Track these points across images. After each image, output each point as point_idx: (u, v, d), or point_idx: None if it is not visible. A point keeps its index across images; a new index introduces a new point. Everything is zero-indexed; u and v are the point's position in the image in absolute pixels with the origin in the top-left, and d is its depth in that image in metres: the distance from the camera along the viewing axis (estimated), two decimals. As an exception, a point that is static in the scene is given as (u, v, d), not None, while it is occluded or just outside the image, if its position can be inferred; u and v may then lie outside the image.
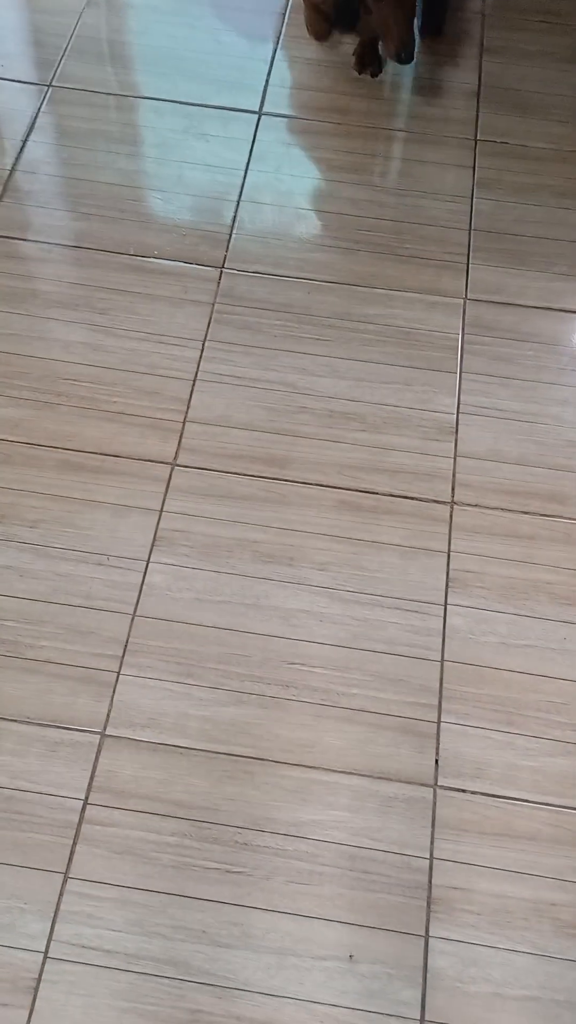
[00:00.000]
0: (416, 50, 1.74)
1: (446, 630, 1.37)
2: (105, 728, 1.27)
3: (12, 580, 1.38)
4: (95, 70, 2.11)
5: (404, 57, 1.73)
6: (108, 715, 1.28)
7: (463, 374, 1.65)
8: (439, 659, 1.35)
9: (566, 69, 2.15)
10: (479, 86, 2.11)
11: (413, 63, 1.77)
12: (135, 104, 2.05)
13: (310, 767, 1.25)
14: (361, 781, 1.25)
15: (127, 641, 1.34)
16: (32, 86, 2.05)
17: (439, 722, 1.30)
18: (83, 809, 1.21)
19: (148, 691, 1.30)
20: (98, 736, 1.26)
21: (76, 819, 1.20)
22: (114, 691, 1.30)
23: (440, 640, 1.36)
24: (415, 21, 1.72)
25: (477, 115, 2.05)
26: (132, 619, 1.36)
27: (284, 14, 2.25)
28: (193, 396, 1.61)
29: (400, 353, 1.68)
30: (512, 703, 1.31)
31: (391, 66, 2.15)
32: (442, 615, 1.38)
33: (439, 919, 1.15)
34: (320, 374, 1.65)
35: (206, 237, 1.82)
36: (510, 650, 1.36)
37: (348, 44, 2.14)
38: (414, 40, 1.72)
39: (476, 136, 2.01)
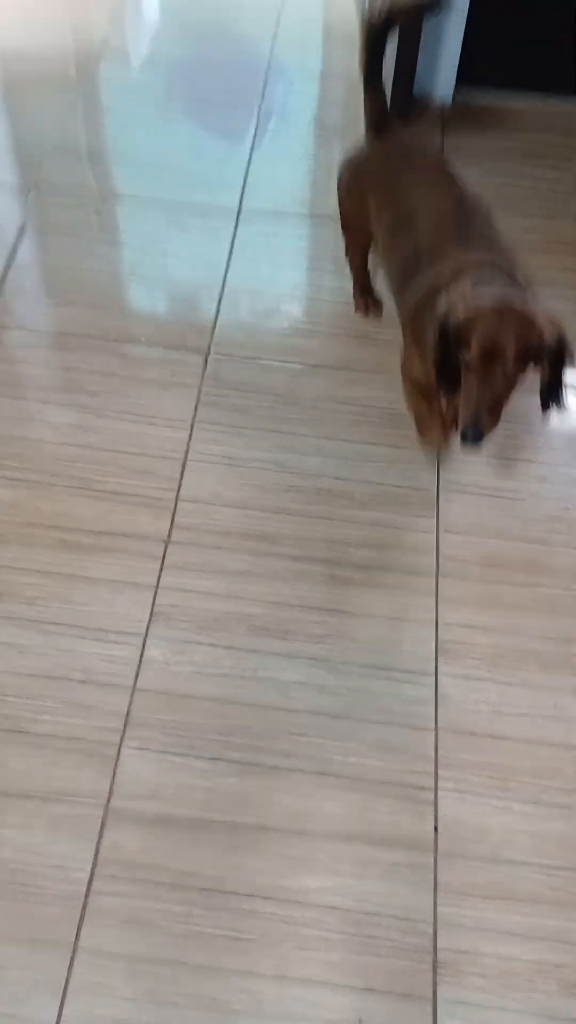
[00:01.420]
0: (486, 438, 1.29)
1: (439, 698, 1.41)
2: (109, 800, 1.27)
3: (12, 657, 1.39)
4: (81, 172, 2.22)
5: (468, 435, 1.28)
6: (111, 788, 1.28)
7: (444, 452, 1.73)
8: (433, 727, 1.38)
9: (524, 164, 2.31)
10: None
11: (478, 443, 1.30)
12: (120, 202, 2.16)
13: (313, 835, 1.27)
14: (363, 848, 1.26)
15: (128, 714, 1.35)
16: (21, 189, 2.15)
17: (436, 789, 1.32)
18: (90, 881, 1.20)
19: (150, 763, 1.31)
20: (102, 809, 1.26)
21: (83, 891, 1.19)
22: (116, 764, 1.30)
23: (433, 708, 1.40)
24: (506, 405, 1.32)
25: (443, 212, 2.19)
26: (132, 693, 1.37)
27: (257, 117, 2.40)
28: (184, 475, 1.66)
29: (383, 432, 1.75)
30: (508, 769, 1.34)
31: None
32: (434, 684, 1.42)
33: (446, 982, 1.16)
34: (307, 453, 1.71)
35: (191, 325, 1.91)
36: (503, 718, 1.40)
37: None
38: (489, 423, 1.29)
39: (443, 232, 2.15)
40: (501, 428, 1.35)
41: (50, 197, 2.13)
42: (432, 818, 1.29)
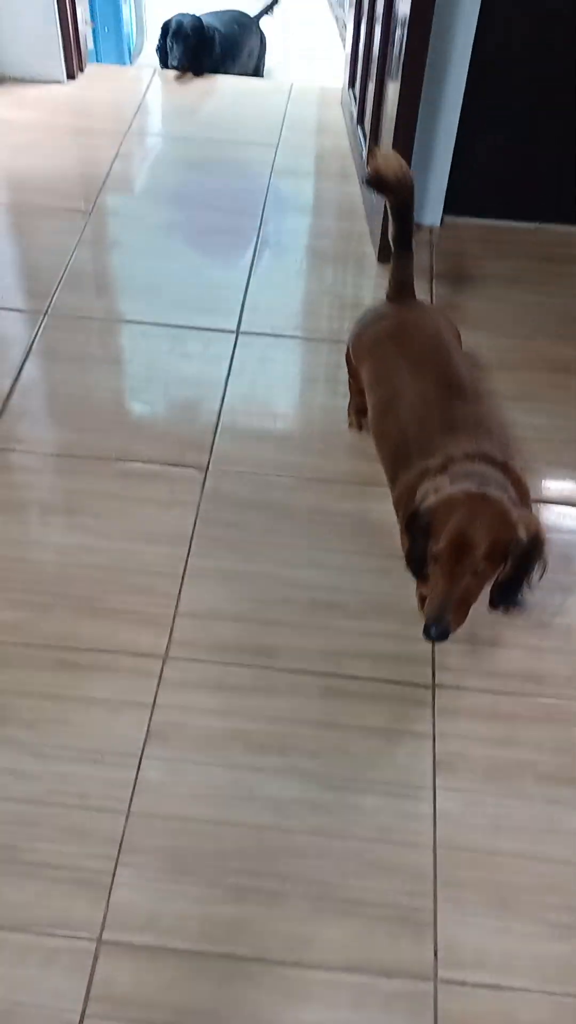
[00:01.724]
0: (451, 632, 1.25)
1: (436, 815, 1.40)
2: (102, 933, 1.25)
3: (9, 783, 1.40)
4: (87, 299, 2.35)
5: (432, 632, 1.23)
6: (104, 918, 1.27)
7: (435, 562, 1.76)
8: (431, 844, 1.37)
9: (509, 288, 2.42)
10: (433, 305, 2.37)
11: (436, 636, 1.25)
12: (123, 328, 2.28)
13: (310, 966, 1.24)
14: (362, 978, 1.23)
15: (122, 840, 1.35)
16: (29, 314, 2.28)
17: (435, 910, 1.30)
18: (81, 1022, 1.18)
19: (144, 891, 1.30)
20: (95, 942, 1.25)
21: (74, 1033, 1.17)
22: (110, 893, 1.29)
23: (431, 825, 1.39)
24: (475, 602, 1.29)
25: (431, 329, 2.29)
26: (127, 817, 1.37)
27: (254, 246, 2.54)
28: (183, 591, 1.69)
29: (376, 543, 1.79)
30: (507, 887, 1.32)
31: (354, 288, 2.43)
32: (432, 799, 1.41)
33: None
34: (302, 566, 1.75)
35: (191, 442, 1.98)
36: (501, 833, 1.38)
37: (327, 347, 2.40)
38: (455, 620, 1.25)
39: (432, 347, 2.24)
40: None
41: (57, 322, 2.24)
42: (432, 942, 1.27)
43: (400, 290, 1.72)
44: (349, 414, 2.02)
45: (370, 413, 1.61)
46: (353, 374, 1.82)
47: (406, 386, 1.51)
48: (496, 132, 2.49)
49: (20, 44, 3.13)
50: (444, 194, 2.59)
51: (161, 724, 1.49)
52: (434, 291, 2.42)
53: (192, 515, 1.83)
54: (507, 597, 1.28)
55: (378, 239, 2.48)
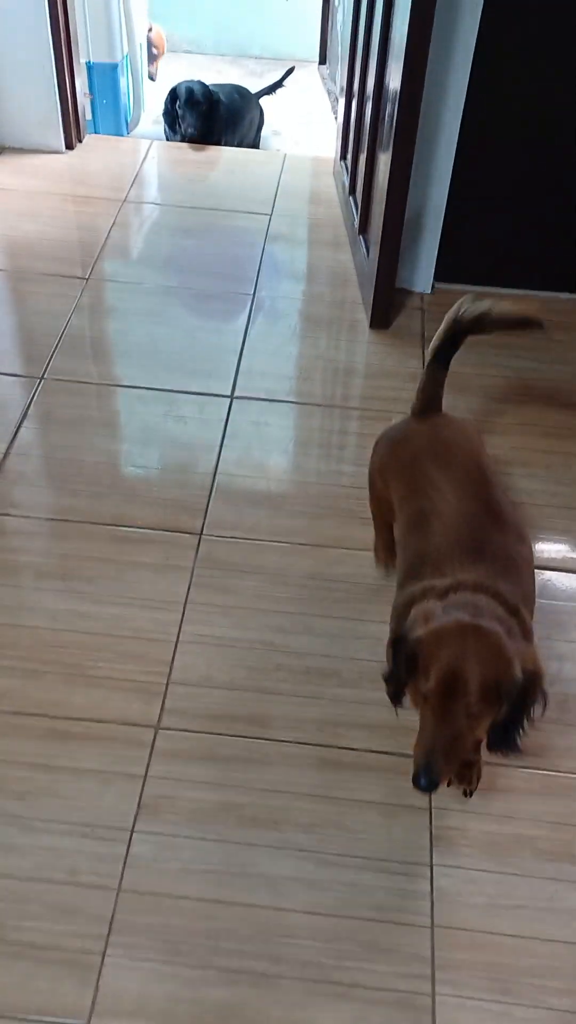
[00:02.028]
0: (439, 783, 1.13)
1: (434, 893, 1.37)
2: (90, 1019, 1.21)
3: (-3, 857, 1.37)
4: (83, 364, 2.37)
5: (421, 782, 1.11)
6: (93, 1003, 1.23)
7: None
8: (429, 924, 1.34)
9: (498, 355, 2.46)
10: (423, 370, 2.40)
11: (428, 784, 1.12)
12: (119, 393, 2.30)
13: (305, 1054, 1.20)
14: (359, 1067, 1.19)
15: (112, 918, 1.31)
16: (25, 379, 2.30)
17: (433, 994, 1.26)
18: None
19: (134, 973, 1.26)
20: (83, 1029, 1.21)
21: None
22: (99, 975, 1.25)
23: (429, 904, 1.36)
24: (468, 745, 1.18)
25: (424, 395, 2.32)
26: (117, 894, 1.34)
27: (249, 312, 2.58)
28: (176, 658, 1.68)
29: (370, 609, 1.79)
30: (506, 969, 1.29)
31: (347, 353, 2.47)
32: (429, 876, 1.38)
33: None
34: (296, 632, 1.74)
35: (185, 507, 1.98)
36: (500, 911, 1.35)
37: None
38: (445, 768, 1.12)
39: (424, 412, 2.26)
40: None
41: (53, 386, 2.26)
42: (431, 1028, 1.23)
43: (428, 404, 1.60)
44: (375, 551, 1.85)
45: (399, 526, 1.48)
46: (378, 500, 1.68)
47: (445, 502, 1.39)
48: (484, 203, 2.56)
49: (21, 115, 3.21)
50: (435, 262, 2.65)
51: (152, 797, 1.46)
52: (425, 357, 2.45)
53: (186, 580, 1.82)
54: (505, 740, 1.15)
55: (371, 306, 2.53)
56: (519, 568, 1.32)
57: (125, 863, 1.38)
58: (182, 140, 3.53)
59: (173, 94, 3.53)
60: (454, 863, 1.40)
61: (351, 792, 1.48)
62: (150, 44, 4.43)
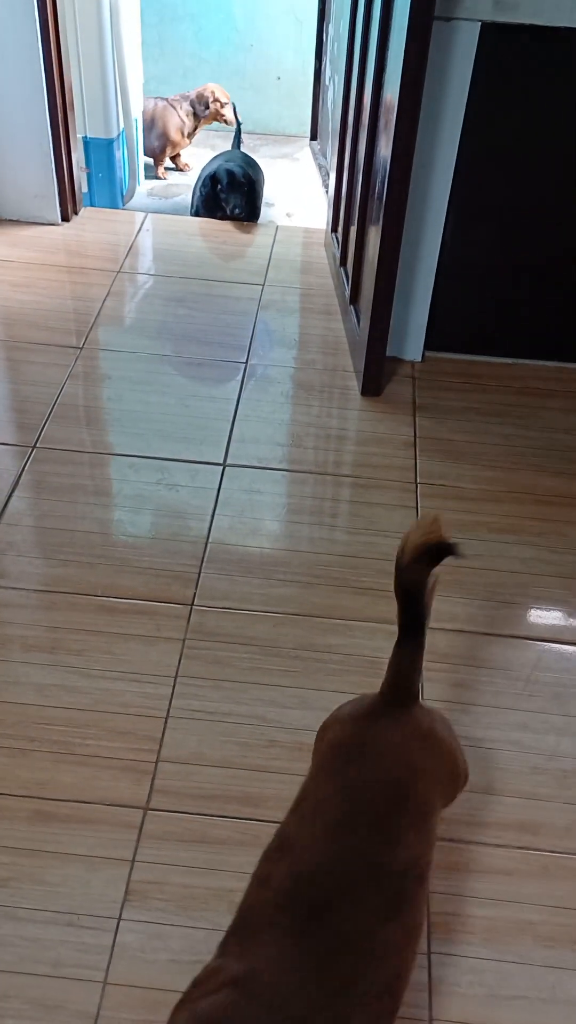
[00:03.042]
0: None
1: (431, 982, 1.32)
2: None
3: (-23, 949, 1.32)
4: (75, 432, 2.38)
5: None
6: None
7: (424, 701, 1.72)
8: (427, 1018, 1.28)
9: (490, 421, 2.48)
10: (415, 437, 2.42)
11: None
12: (111, 461, 2.30)
13: None
14: None
15: (97, 1015, 1.26)
16: (17, 447, 2.30)
17: None
18: None
19: (120, 1077, 1.20)
20: None
21: None
22: (83, 1079, 1.20)
23: (427, 995, 1.30)
24: None
25: (415, 462, 2.33)
26: (103, 988, 1.29)
27: (241, 380, 2.60)
28: (166, 734, 1.64)
29: (365, 682, 1.75)
30: (510, 1068, 1.23)
31: (338, 421, 2.48)
32: (427, 966, 1.33)
33: None
34: (289, 706, 1.71)
35: (177, 577, 1.96)
36: (499, 1002, 1.30)
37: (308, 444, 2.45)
38: None
39: (416, 480, 2.27)
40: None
41: (45, 455, 2.26)
42: None
43: (396, 690, 1.24)
44: None
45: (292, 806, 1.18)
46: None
47: (330, 804, 1.12)
48: (473, 272, 2.60)
49: (18, 188, 3.28)
50: (424, 330, 2.68)
51: (141, 882, 1.41)
52: (417, 422, 2.47)
53: (177, 652, 1.80)
54: None
55: (362, 374, 2.55)
56: (366, 964, 0.95)
57: (112, 953, 1.32)
58: (229, 219, 3.62)
59: (214, 178, 3.63)
60: (453, 951, 1.35)
61: (346, 876, 1.44)
62: (208, 100, 4.53)
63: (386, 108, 2.23)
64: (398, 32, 2.07)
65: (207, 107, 4.53)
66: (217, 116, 4.57)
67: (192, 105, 4.54)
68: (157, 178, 4.66)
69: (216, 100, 4.53)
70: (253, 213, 3.70)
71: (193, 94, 4.55)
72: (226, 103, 4.55)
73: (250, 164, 3.87)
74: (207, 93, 4.53)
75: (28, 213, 3.34)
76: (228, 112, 4.52)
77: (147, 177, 4.59)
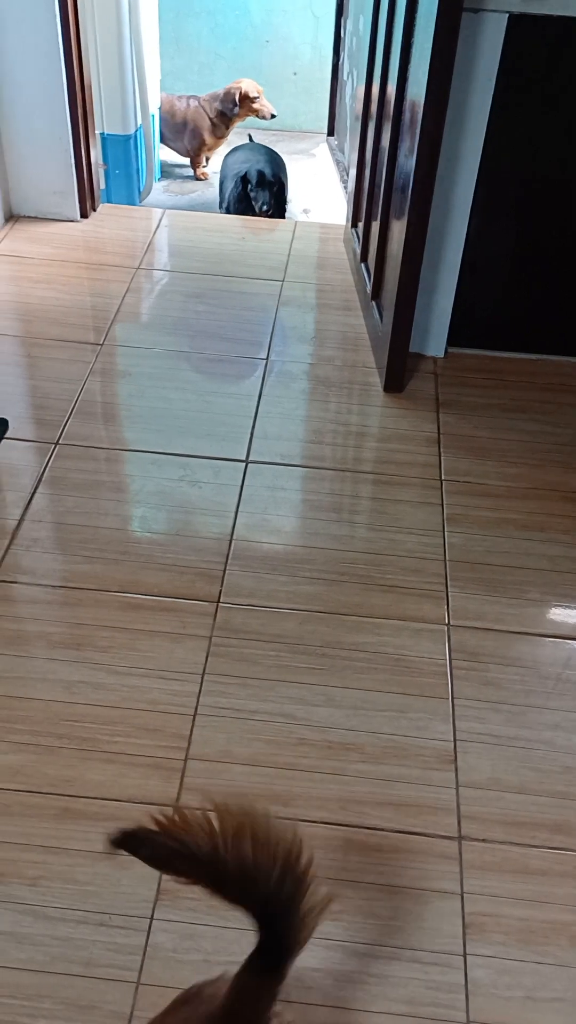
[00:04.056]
0: None
1: (468, 985, 1.30)
2: None
3: (9, 948, 1.31)
4: (97, 429, 2.37)
5: None
6: None
7: (455, 700, 1.71)
8: (465, 1020, 1.26)
9: (514, 418, 2.46)
10: (438, 434, 2.40)
11: None
12: (133, 457, 2.28)
13: None
14: None
15: (131, 1015, 1.25)
16: (40, 444, 2.29)
17: None
18: None
19: (154, 1078, 1.19)
20: None
21: None
22: (117, 1080, 1.18)
23: (463, 996, 1.29)
24: None
25: (440, 459, 2.31)
26: (136, 988, 1.27)
27: (262, 376, 2.59)
28: (194, 731, 1.63)
29: (392, 680, 1.74)
30: (549, 1071, 1.22)
31: (360, 417, 2.46)
32: (463, 968, 1.32)
33: None
34: (317, 703, 1.69)
35: (202, 574, 1.95)
36: (537, 1005, 1.28)
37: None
38: None
39: (441, 477, 2.25)
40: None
41: (67, 451, 2.25)
42: None
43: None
44: None
45: None
46: None
47: None
48: (498, 267, 2.58)
49: (37, 185, 3.27)
50: (447, 327, 2.66)
51: (172, 881, 1.39)
52: (440, 419, 2.45)
53: (203, 649, 1.78)
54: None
55: (384, 370, 2.53)
56: None
57: (144, 953, 1.31)
58: (259, 215, 3.78)
59: (244, 178, 3.79)
60: (488, 952, 1.34)
61: (380, 876, 1.42)
62: (235, 98, 4.43)
63: (411, 102, 2.21)
64: (424, 25, 2.05)
65: (235, 105, 4.43)
66: (251, 112, 4.47)
67: (221, 105, 4.47)
68: (197, 179, 4.64)
69: (246, 96, 4.41)
70: (280, 210, 3.78)
71: (221, 93, 4.50)
72: (257, 96, 4.44)
73: (275, 162, 3.96)
74: (233, 91, 4.45)
75: (47, 210, 3.33)
76: (263, 105, 4.44)
77: (181, 177, 4.60)
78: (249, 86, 4.46)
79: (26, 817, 1.47)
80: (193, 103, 4.47)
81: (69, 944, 1.32)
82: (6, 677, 1.70)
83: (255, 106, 4.46)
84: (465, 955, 1.33)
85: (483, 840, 1.48)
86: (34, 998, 1.26)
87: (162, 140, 4.50)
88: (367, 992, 1.29)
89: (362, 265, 2.91)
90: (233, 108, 4.44)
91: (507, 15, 2.14)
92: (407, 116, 2.25)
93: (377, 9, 2.60)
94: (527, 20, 2.14)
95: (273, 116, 4.42)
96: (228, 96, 4.44)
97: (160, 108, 4.38)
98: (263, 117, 4.48)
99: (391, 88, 2.39)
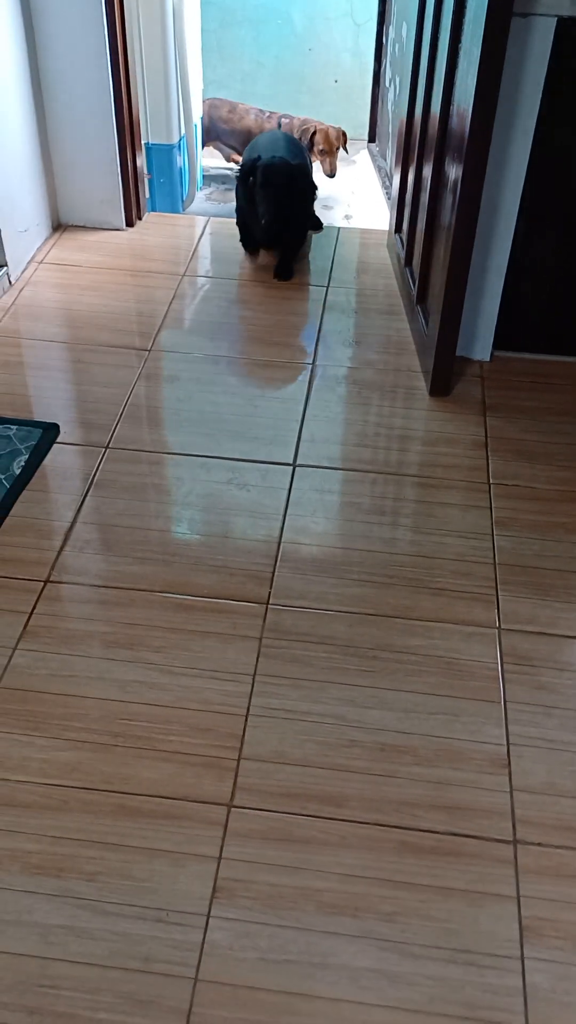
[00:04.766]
0: None
1: (527, 989, 1.29)
2: None
3: (70, 942, 1.32)
4: (146, 433, 2.39)
5: None
6: None
7: (507, 704, 1.70)
8: (523, 1024, 1.26)
9: (562, 421, 2.44)
10: (486, 437, 2.39)
11: None
12: (182, 461, 2.31)
13: None
14: None
15: (190, 1012, 1.26)
16: (91, 448, 2.32)
17: None
18: None
19: (214, 1073, 1.20)
20: None
21: None
22: (178, 1075, 1.19)
23: (522, 1001, 1.28)
24: None
25: (487, 462, 2.30)
26: (194, 984, 1.28)
27: (308, 380, 2.60)
28: (247, 732, 1.64)
29: (444, 683, 1.74)
30: (610, 1078, 1.20)
31: (406, 420, 2.46)
32: (520, 971, 1.31)
33: None
34: (368, 705, 1.70)
35: (251, 576, 1.96)
36: (598, 1011, 1.27)
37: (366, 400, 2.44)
38: None
39: (489, 480, 2.24)
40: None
41: (117, 455, 2.28)
42: None
43: None
44: None
45: None
46: None
47: None
48: (544, 270, 2.57)
49: (85, 195, 3.33)
50: (494, 331, 2.65)
51: (228, 880, 1.41)
52: (487, 423, 2.44)
53: (254, 650, 1.79)
54: None
55: (430, 374, 2.53)
56: None
57: (202, 951, 1.32)
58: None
59: (247, 174, 3.16)
60: (547, 956, 1.33)
61: (434, 879, 1.42)
62: (308, 136, 4.10)
63: (458, 107, 2.21)
64: (472, 30, 2.05)
65: (311, 144, 4.12)
66: (315, 155, 4.14)
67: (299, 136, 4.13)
68: None
69: (314, 142, 4.11)
70: (298, 229, 3.23)
71: (302, 124, 4.20)
72: (324, 149, 4.15)
73: (294, 150, 3.31)
74: (310, 129, 4.14)
75: (94, 219, 3.38)
76: (326, 158, 4.14)
77: (223, 186, 4.62)
78: (322, 135, 4.17)
79: (83, 813, 1.49)
80: (285, 121, 4.26)
81: (127, 939, 1.33)
82: (62, 675, 1.72)
83: (319, 156, 4.18)
84: (523, 959, 1.32)
85: (539, 844, 1.47)
86: (94, 991, 1.27)
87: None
88: (423, 994, 1.29)
89: (407, 270, 2.91)
90: (308, 146, 4.12)
91: (556, 19, 2.14)
92: (454, 121, 2.25)
93: (422, 15, 2.61)
94: (577, 23, 2.13)
95: (330, 176, 4.13)
96: (305, 131, 4.19)
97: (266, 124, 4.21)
98: (323, 169, 4.21)
99: (437, 94, 2.39)
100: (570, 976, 1.31)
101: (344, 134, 4.28)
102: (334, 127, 4.25)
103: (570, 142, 2.34)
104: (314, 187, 3.36)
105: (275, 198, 3.02)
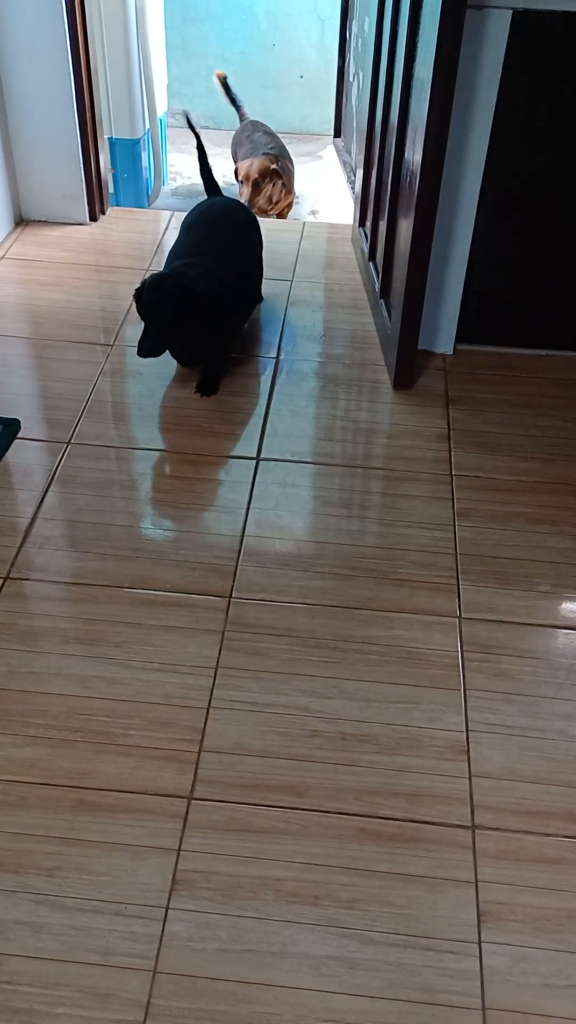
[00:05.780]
0: None
1: (483, 972, 1.30)
2: None
3: (27, 938, 1.32)
4: (109, 428, 2.38)
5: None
6: None
7: (467, 691, 1.71)
8: (480, 1007, 1.27)
9: (523, 413, 2.46)
10: (448, 430, 2.40)
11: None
12: (145, 456, 2.30)
13: None
14: None
15: (148, 1003, 1.25)
16: (52, 444, 2.31)
17: None
18: None
19: (172, 1064, 1.20)
20: None
21: None
22: (135, 1066, 1.19)
23: (479, 984, 1.29)
24: None
25: (450, 455, 2.31)
26: (153, 976, 1.28)
27: (272, 375, 2.60)
28: (208, 724, 1.64)
29: (405, 672, 1.75)
30: (565, 1057, 1.22)
31: (370, 414, 2.47)
32: (478, 955, 1.32)
33: None
34: (330, 696, 1.70)
35: (214, 570, 1.96)
36: (554, 992, 1.28)
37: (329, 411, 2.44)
38: None
39: (451, 472, 2.25)
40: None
41: (79, 450, 2.27)
42: None
43: None
44: None
45: None
46: None
47: None
48: (505, 263, 2.58)
49: (47, 189, 3.31)
50: (456, 323, 2.67)
51: (187, 871, 1.41)
52: (450, 416, 2.46)
53: (216, 643, 1.79)
54: None
55: (394, 368, 2.54)
56: None
57: (160, 943, 1.32)
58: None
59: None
60: (504, 940, 1.34)
61: (394, 865, 1.43)
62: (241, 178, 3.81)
63: (417, 99, 2.22)
64: (429, 23, 2.06)
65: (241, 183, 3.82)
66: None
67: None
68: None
69: (246, 177, 3.77)
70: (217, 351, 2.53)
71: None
72: (242, 181, 3.77)
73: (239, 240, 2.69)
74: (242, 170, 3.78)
75: (57, 213, 3.36)
76: (260, 197, 3.70)
77: (189, 181, 4.60)
78: (244, 164, 3.81)
79: (42, 809, 1.49)
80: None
81: (86, 933, 1.33)
82: (21, 672, 1.71)
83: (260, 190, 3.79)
84: (480, 943, 1.34)
85: (497, 829, 1.48)
86: (52, 987, 1.27)
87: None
88: (382, 979, 1.29)
89: (370, 264, 2.92)
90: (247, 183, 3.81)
91: (511, 11, 2.15)
92: (413, 113, 2.26)
93: (382, 9, 2.61)
94: (531, 15, 2.15)
95: (265, 213, 3.72)
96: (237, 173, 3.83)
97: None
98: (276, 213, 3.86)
99: (397, 86, 2.40)
100: (527, 958, 1.32)
101: (273, 170, 3.74)
102: (270, 157, 3.78)
103: (529, 132, 2.35)
104: (238, 306, 2.62)
105: (158, 326, 2.31)
